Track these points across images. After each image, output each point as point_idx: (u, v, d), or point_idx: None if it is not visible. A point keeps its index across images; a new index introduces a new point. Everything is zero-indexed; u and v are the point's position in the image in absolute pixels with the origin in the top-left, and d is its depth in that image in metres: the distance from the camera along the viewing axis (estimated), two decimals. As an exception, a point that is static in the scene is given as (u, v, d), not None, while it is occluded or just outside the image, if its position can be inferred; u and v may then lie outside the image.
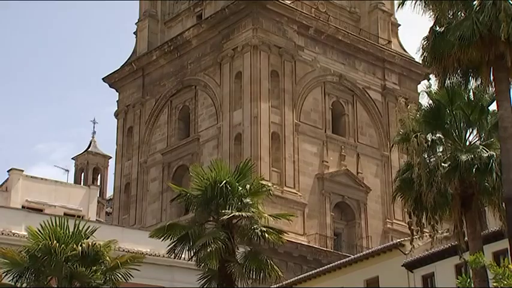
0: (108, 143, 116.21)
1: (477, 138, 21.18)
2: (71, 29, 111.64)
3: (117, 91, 50.33)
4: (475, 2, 18.95)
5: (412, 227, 21.63)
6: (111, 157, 60.54)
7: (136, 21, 50.76)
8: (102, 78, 50.47)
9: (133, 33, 50.95)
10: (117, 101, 50.22)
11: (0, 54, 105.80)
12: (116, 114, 49.90)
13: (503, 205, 19.08)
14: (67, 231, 19.97)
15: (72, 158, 65.22)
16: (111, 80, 50.10)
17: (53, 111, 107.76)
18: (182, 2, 49.45)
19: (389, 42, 48.26)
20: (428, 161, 20.48)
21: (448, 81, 19.71)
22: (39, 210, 32.06)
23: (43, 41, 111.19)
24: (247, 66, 42.17)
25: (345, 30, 46.13)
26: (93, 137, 65.28)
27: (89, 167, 63.31)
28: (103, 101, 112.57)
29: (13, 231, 27.58)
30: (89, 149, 64.78)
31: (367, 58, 46.90)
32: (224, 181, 20.73)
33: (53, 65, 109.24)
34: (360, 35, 47.07)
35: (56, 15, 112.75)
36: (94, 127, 65.87)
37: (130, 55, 50.42)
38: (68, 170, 55.21)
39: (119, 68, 49.89)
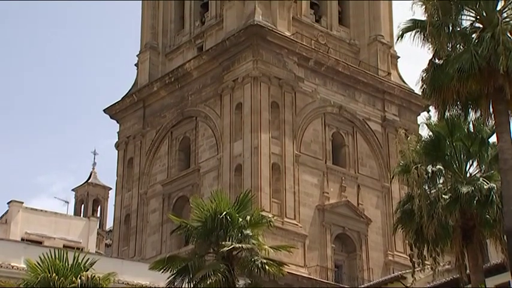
0: (108, 174, 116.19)
1: (477, 170, 21.22)
2: (72, 61, 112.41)
3: (117, 122, 50.45)
4: (473, 35, 19.14)
5: (413, 259, 21.56)
6: (111, 188, 60.56)
7: (138, 53, 51.14)
8: (103, 110, 50.67)
9: (135, 65, 51.29)
10: (117, 132, 50.32)
11: (2, 85, 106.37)
12: (117, 146, 49.97)
13: (505, 238, 19.02)
14: (66, 264, 19.87)
15: (72, 190, 65.26)
16: (112, 111, 50.26)
17: (53, 143, 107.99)
18: (183, 34, 49.86)
19: (389, 74, 48.50)
20: (428, 193, 20.49)
21: (447, 113, 19.82)
22: (39, 243, 31.90)
23: (44, 72, 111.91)
24: (248, 97, 42.34)
25: (344, 62, 46.41)
26: (93, 168, 65.37)
27: (89, 198, 63.25)
28: (104, 133, 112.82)
29: (12, 263, 27.39)
30: (89, 180, 64.79)
31: (367, 89, 47.09)
32: (224, 212, 20.72)
33: (54, 97, 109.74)
34: (360, 66, 47.33)
35: (57, 46, 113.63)
36: (94, 158, 66.02)
37: (132, 86, 50.66)
38: (67, 202, 55.13)
39: (119, 99, 50.10)
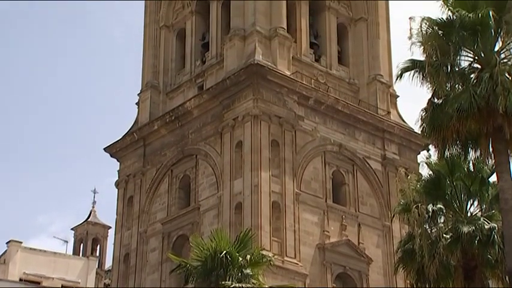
0: (108, 213, 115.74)
1: (478, 210, 21.21)
2: (73, 99, 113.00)
3: (118, 161, 50.47)
4: (472, 76, 19.34)
5: (415, 300, 21.37)
6: (110, 227, 60.32)
7: (139, 91, 51.45)
8: (104, 148, 50.74)
9: (136, 103, 51.56)
10: (117, 171, 50.32)
11: (2, 123, 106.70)
12: (117, 184, 49.93)
13: (507, 278, 18.92)
14: (64, 304, 19.71)
15: (71, 229, 64.97)
16: (112, 150, 50.33)
17: (53, 182, 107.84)
18: (184, 73, 50.26)
19: (389, 113, 48.71)
20: (429, 232, 20.44)
21: (447, 152, 19.90)
22: (37, 283, 31.68)
23: (45, 110, 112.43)
24: (248, 135, 42.43)
25: (344, 100, 46.66)
26: (93, 207, 65.18)
27: (88, 237, 62.92)
28: (104, 171, 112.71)
29: (9, 304, 27.18)
30: (89, 219, 64.55)
31: (366, 128, 47.24)
32: (224, 251, 20.66)
33: (54, 135, 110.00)
34: (359, 105, 47.57)
35: (58, 86, 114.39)
36: (94, 197, 65.87)
37: (132, 125, 50.83)
38: (67, 241, 54.86)
39: (120, 138, 50.21)
